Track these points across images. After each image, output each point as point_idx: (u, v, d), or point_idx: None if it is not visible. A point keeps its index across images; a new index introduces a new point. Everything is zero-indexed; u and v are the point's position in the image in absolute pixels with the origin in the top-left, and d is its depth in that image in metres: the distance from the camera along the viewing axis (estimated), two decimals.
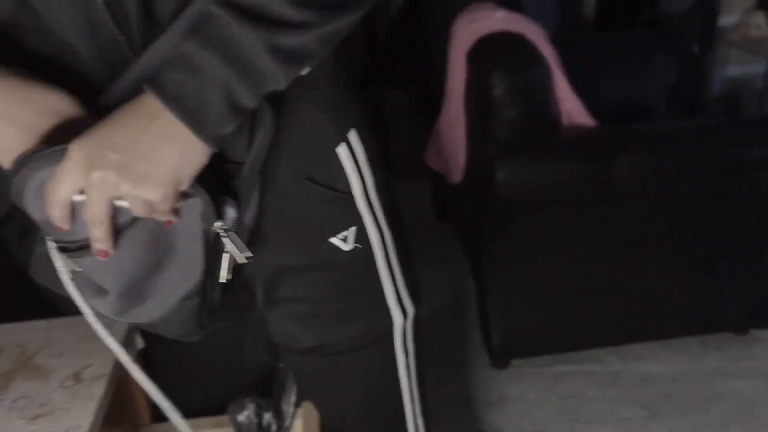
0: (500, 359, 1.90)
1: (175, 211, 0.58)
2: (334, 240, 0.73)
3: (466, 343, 2.02)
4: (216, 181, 0.62)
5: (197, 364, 0.91)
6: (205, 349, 0.83)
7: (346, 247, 0.73)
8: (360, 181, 0.73)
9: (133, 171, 0.53)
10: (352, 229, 0.73)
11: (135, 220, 0.58)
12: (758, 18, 3.01)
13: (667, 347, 1.96)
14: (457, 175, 1.80)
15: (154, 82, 0.54)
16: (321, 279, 0.75)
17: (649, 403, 1.78)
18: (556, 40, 2.61)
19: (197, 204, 0.59)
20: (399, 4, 2.41)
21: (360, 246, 0.74)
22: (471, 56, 1.58)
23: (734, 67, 3.40)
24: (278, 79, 0.56)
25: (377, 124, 2.97)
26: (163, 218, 0.58)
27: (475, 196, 1.80)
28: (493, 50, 1.53)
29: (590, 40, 2.70)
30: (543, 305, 1.84)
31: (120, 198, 0.55)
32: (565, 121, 1.69)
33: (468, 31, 1.57)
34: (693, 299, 1.88)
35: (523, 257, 1.77)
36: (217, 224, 0.61)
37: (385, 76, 2.62)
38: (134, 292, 0.62)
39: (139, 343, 0.79)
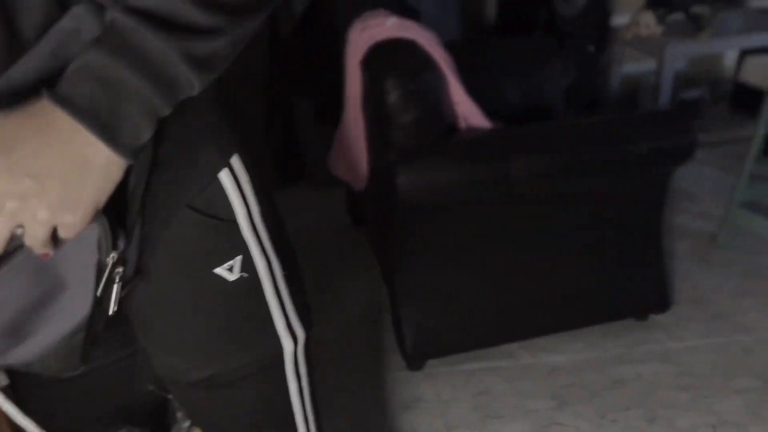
0: (414, 361, 1.93)
1: (55, 241, 0.54)
2: (219, 270, 0.70)
3: (381, 346, 2.03)
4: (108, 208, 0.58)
5: (81, 398, 0.88)
6: (92, 382, 0.79)
7: (231, 276, 0.71)
8: (245, 208, 0.71)
9: (51, 196, 0.50)
10: (238, 258, 0.71)
11: (17, 249, 0.54)
12: (647, 17, 3.17)
13: (573, 338, 2.03)
14: (361, 181, 1.81)
15: (58, 95, 0.50)
16: (205, 310, 0.73)
17: (557, 393, 1.84)
18: (459, 46, 2.68)
19: (93, 231, 0.56)
20: (301, 11, 2.41)
21: (246, 275, 0.72)
22: (365, 64, 1.59)
23: (629, 65, 3.58)
24: (193, 85, 0.55)
25: (288, 134, 2.95)
26: (41, 250, 0.54)
27: (380, 201, 1.82)
28: (385, 57, 1.55)
29: (492, 44, 2.77)
30: (453, 305, 1.87)
31: (21, 225, 0.51)
32: (461, 124, 1.73)
33: (361, 38, 1.58)
34: (593, 290, 1.96)
35: (431, 259, 1.80)
36: (113, 254, 0.58)
37: (291, 84, 2.61)
38: (14, 330, 0.58)
39: (2, 380, 0.75)
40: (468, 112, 1.70)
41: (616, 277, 1.97)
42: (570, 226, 1.84)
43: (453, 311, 1.88)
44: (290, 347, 0.78)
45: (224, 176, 0.69)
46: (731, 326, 2.07)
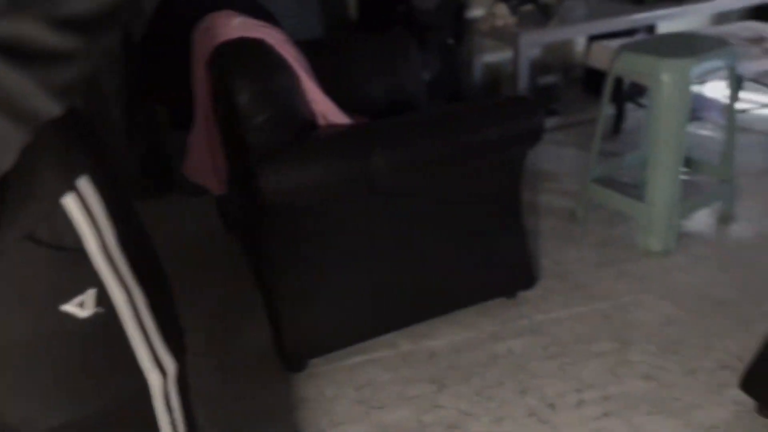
0: (295, 363, 1.92)
1: None
2: (68, 307, 0.65)
3: (260, 352, 2.01)
4: None
5: None
6: None
7: (83, 313, 0.65)
8: (96, 235, 0.65)
9: None
10: (90, 292, 0.66)
11: None
12: (501, 9, 3.32)
13: (450, 321, 2.11)
14: (220, 186, 1.77)
15: None
16: (56, 352, 0.67)
17: (437, 377, 1.90)
18: (321, 44, 2.68)
19: None
20: (151, 11, 2.32)
21: (102, 310, 0.67)
22: (210, 65, 1.56)
23: (489, 55, 3.74)
24: (53, 111, 0.52)
25: (154, 142, 2.83)
26: None
27: (245, 204, 1.79)
28: (231, 58, 1.52)
29: (354, 41, 2.79)
30: (330, 302, 1.88)
31: None
32: (321, 122, 1.74)
33: (206, 40, 1.54)
34: (465, 274, 2.04)
35: (302, 258, 1.80)
36: None
37: (148, 89, 2.51)
38: None
39: None
40: (326, 109, 1.71)
41: (484, 259, 2.05)
42: (436, 214, 1.90)
43: (330, 309, 1.89)
44: (158, 381, 0.74)
45: (69, 201, 0.64)
46: (590, 295, 2.22)
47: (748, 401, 1.71)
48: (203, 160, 1.78)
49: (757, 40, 3.10)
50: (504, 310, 2.16)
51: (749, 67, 2.94)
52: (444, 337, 2.06)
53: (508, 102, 1.89)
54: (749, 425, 1.66)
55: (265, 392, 1.88)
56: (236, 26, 1.53)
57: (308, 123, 1.67)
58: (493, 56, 3.74)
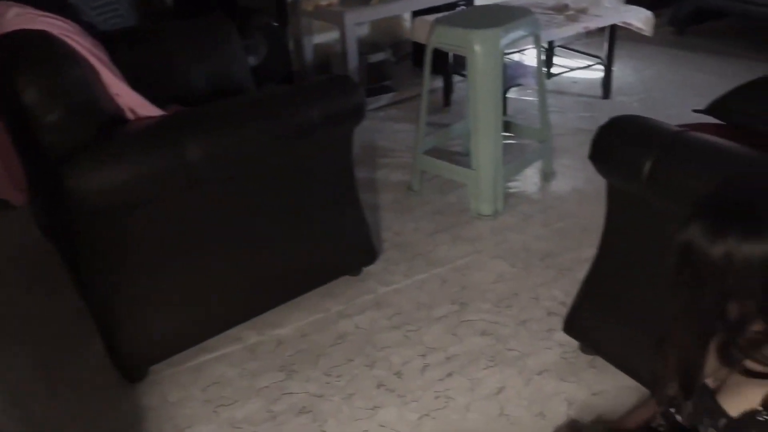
0: (134, 371, 1.82)
1: None
2: None
3: (95, 366, 1.88)
4: None
5: None
6: None
7: None
8: None
9: None
10: None
11: None
12: None
13: (296, 307, 2.09)
14: (19, 195, 1.62)
15: None
16: None
17: (285, 364, 1.88)
18: (135, 33, 2.52)
19: None
20: None
21: None
22: None
23: (319, 36, 3.72)
24: None
25: None
26: None
27: (54, 211, 1.65)
28: (11, 52, 1.38)
29: (170, 28, 2.65)
30: (164, 303, 1.79)
31: None
32: (129, 116, 1.63)
33: None
34: (307, 257, 2.03)
35: (127, 261, 1.69)
36: None
37: None
38: None
39: None
40: (133, 103, 1.61)
41: (324, 240, 2.05)
42: (267, 200, 1.87)
43: (166, 310, 1.80)
44: None
45: None
46: (429, 262, 2.31)
47: (572, 342, 1.86)
48: None
49: (561, 8, 3.34)
50: (349, 288, 2.18)
51: (554, 33, 3.17)
52: (291, 323, 2.04)
53: (327, 82, 1.89)
54: (575, 363, 1.82)
55: (105, 407, 1.76)
56: (12, 18, 1.38)
57: (114, 118, 1.56)
58: (323, 37, 3.73)
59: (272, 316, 2.05)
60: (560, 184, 2.78)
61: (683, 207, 1.34)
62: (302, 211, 1.97)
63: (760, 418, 0.95)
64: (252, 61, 2.86)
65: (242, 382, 1.83)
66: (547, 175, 2.83)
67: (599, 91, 3.65)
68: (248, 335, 2.00)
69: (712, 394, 1.06)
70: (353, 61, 3.35)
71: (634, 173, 1.38)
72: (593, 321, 1.73)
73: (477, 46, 2.32)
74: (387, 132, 3.39)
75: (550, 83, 3.90)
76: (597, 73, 3.75)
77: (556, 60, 4.03)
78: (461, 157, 2.92)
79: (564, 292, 2.09)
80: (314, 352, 1.92)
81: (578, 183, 2.75)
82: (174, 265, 1.77)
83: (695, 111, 1.54)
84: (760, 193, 0.98)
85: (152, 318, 1.78)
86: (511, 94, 3.58)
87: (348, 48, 3.29)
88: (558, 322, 1.92)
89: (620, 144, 1.44)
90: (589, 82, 3.83)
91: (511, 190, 2.75)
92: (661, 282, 1.21)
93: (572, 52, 4.09)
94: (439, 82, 3.66)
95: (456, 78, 3.67)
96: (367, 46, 3.70)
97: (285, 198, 1.91)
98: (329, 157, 1.96)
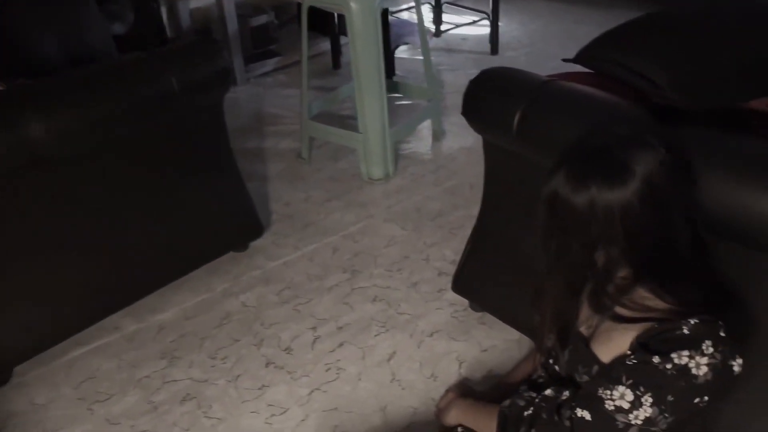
0: None
1: None
2: None
3: None
4: None
5: None
6: None
7: None
8: None
9: None
10: None
11: None
12: None
13: (178, 289, 1.97)
14: None
15: None
16: None
17: (167, 351, 1.77)
18: None
19: None
20: None
21: None
22: None
23: (195, 0, 3.50)
24: None
25: None
26: None
27: None
28: None
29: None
30: (24, 298, 1.63)
31: None
32: None
33: None
34: (186, 235, 1.91)
35: None
36: None
37: None
38: None
39: None
40: None
41: (202, 216, 1.94)
42: (133, 178, 1.73)
43: (28, 305, 1.64)
44: None
45: None
46: (320, 231, 2.24)
47: (463, 301, 1.85)
48: None
49: None
50: (235, 265, 2.08)
51: None
52: (173, 306, 1.92)
53: (187, 47, 1.75)
54: (465, 322, 1.81)
55: None
56: None
57: None
58: (200, 1, 3.51)
59: (153, 300, 1.93)
60: (451, 143, 2.76)
61: (551, 158, 1.34)
62: (173, 188, 1.84)
63: (629, 362, 0.95)
64: (118, 29, 2.65)
65: (120, 374, 1.71)
66: (437, 135, 2.80)
67: (488, 47, 3.65)
68: (127, 323, 1.87)
69: (585, 342, 1.06)
70: (233, 25, 3.18)
71: (504, 126, 1.35)
72: (479, 278, 1.72)
73: (353, 3, 2.23)
74: (275, 98, 3.26)
75: (440, 41, 3.87)
76: (485, 29, 3.75)
77: (444, 17, 3.99)
78: (352, 121, 2.84)
79: (454, 251, 2.08)
80: (198, 335, 1.82)
81: (468, 141, 2.74)
82: (29, 257, 1.61)
83: (564, 60, 1.52)
84: (621, 140, 0.96)
85: (9, 316, 1.62)
86: (402, 53, 3.52)
87: (226, 11, 3.12)
88: (448, 282, 1.90)
89: (489, 98, 1.41)
90: (478, 38, 3.82)
91: (403, 152, 2.70)
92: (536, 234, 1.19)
93: (460, 8, 4.07)
94: (327, 44, 3.55)
95: (345, 39, 3.56)
96: (248, 9, 3.52)
97: (152, 174, 1.77)
98: (199, 128, 1.84)
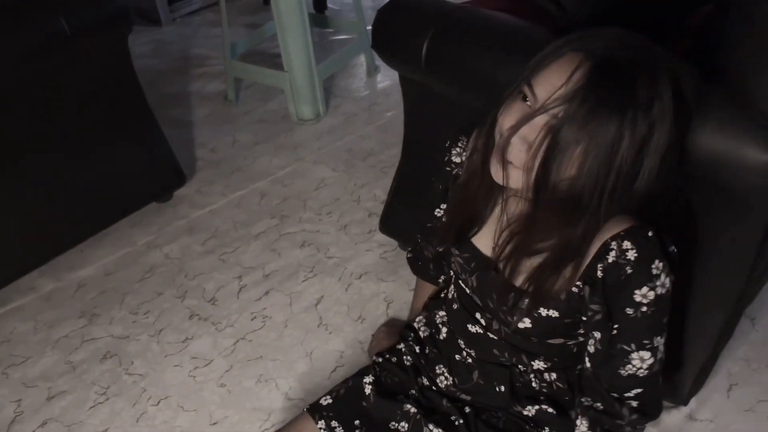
0: None
1: None
2: None
3: None
4: None
5: None
6: None
7: None
8: None
9: None
10: None
11: None
12: None
13: (98, 243, 1.89)
14: None
15: None
16: None
17: (86, 309, 1.71)
18: None
19: None
20: None
21: None
22: None
23: None
24: None
25: None
26: None
27: None
28: None
29: None
30: None
31: None
32: None
33: None
34: (101, 187, 1.82)
35: None
36: None
37: None
38: None
39: None
40: None
41: (117, 166, 1.84)
42: (34, 128, 1.61)
43: None
44: None
45: None
46: (248, 177, 2.16)
47: (392, 241, 1.82)
48: None
49: None
50: (158, 216, 2.00)
51: None
52: (93, 262, 1.85)
53: None
54: (394, 262, 1.78)
55: None
56: None
57: None
58: None
59: (71, 257, 1.85)
60: (384, 78, 2.67)
61: (464, 91, 1.28)
62: (82, 138, 1.73)
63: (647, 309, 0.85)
64: None
65: (36, 335, 1.64)
66: (370, 70, 2.70)
67: None
68: (43, 283, 1.79)
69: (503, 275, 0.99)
70: None
71: (413, 59, 1.28)
72: (405, 216, 1.68)
73: None
74: (202, 38, 3.10)
75: None
76: None
77: None
78: (280, 59, 2.72)
79: (385, 190, 2.02)
80: (120, 290, 1.76)
81: None
82: None
83: None
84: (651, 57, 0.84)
85: None
86: None
87: None
88: (378, 223, 1.86)
89: (397, 28, 1.32)
90: None
91: (335, 90, 2.61)
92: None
93: None
94: None
95: None
96: None
97: (55, 124, 1.66)
98: (104, 74, 1.72)
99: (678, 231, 0.90)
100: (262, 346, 1.57)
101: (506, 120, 0.82)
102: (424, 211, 1.62)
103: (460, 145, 1.05)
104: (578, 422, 0.93)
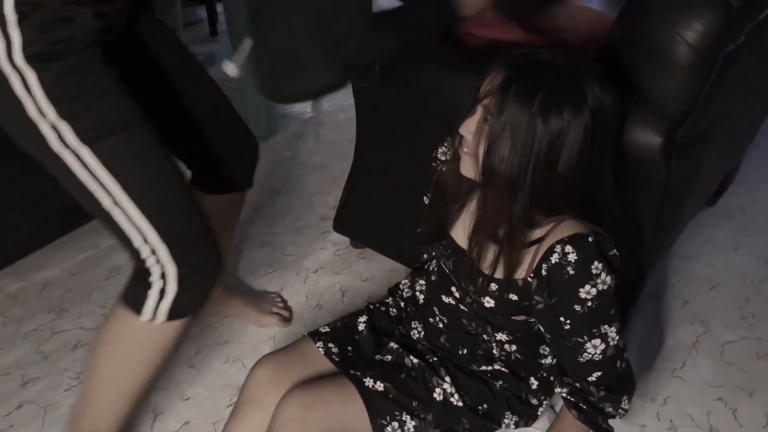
0: None
1: None
2: None
3: None
4: None
5: None
6: None
7: None
8: None
9: None
10: None
11: None
12: None
13: (62, 246, 1.98)
14: None
15: None
16: None
17: (54, 305, 1.78)
18: None
19: None
20: None
21: None
22: None
23: None
24: None
25: None
26: None
27: None
28: None
29: None
30: None
31: None
32: None
33: None
34: (60, 191, 1.91)
35: None
36: None
37: None
38: None
39: None
40: None
41: None
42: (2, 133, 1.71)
43: None
44: None
45: None
46: None
47: (345, 240, 1.99)
48: None
49: None
50: None
51: None
52: (58, 264, 1.93)
53: None
54: (347, 258, 1.95)
55: None
56: None
57: None
58: None
59: (35, 259, 1.93)
60: (331, 101, 2.87)
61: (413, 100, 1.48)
62: None
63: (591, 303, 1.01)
64: None
65: (6, 330, 1.71)
66: None
67: None
68: (8, 283, 1.86)
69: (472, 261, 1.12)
70: None
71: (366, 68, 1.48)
72: (357, 215, 1.86)
73: None
74: None
75: None
76: None
77: None
78: (231, 84, 2.88)
79: (336, 198, 2.19)
80: (86, 288, 1.85)
81: (348, 99, 2.83)
82: None
83: None
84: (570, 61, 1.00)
85: None
86: None
87: None
88: (331, 225, 2.03)
89: None
90: None
91: (285, 111, 2.79)
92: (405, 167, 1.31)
93: None
94: (203, 12, 3.55)
95: (221, 6, 3.57)
96: None
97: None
98: None
99: (617, 226, 1.07)
100: (228, 332, 1.70)
101: (462, 124, 1.03)
102: (375, 209, 1.81)
103: (445, 144, 1.24)
104: (557, 389, 1.13)
